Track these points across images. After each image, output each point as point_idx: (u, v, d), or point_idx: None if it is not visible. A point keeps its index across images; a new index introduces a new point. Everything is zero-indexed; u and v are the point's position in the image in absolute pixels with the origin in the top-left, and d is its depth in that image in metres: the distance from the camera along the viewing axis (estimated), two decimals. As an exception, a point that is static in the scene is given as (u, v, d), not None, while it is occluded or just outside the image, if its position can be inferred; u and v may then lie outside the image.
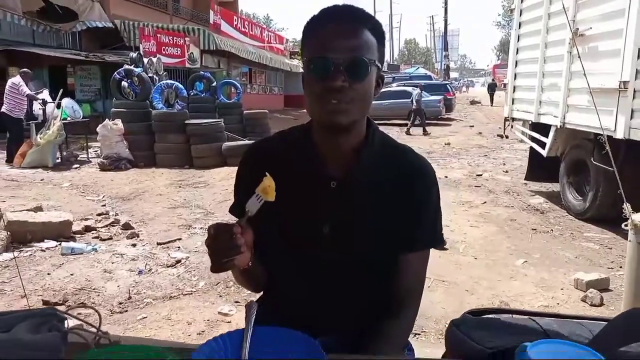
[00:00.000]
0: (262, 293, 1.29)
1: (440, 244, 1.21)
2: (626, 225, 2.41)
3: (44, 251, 4.58)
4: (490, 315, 1.49)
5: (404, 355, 1.20)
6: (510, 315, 1.48)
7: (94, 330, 0.91)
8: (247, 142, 9.80)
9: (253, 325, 0.91)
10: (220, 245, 0.93)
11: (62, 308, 2.71)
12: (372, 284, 1.17)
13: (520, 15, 7.07)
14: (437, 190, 1.19)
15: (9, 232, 4.56)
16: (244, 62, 22.49)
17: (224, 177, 8.13)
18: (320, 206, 1.12)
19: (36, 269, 4.15)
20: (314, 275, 1.14)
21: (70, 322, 0.94)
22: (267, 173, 0.97)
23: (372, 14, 1.11)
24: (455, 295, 3.75)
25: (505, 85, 9.93)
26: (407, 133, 15.97)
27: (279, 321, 0.94)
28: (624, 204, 2.50)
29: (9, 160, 9.29)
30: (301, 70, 1.14)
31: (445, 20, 50.26)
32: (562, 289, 3.90)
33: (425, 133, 15.87)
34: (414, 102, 16.55)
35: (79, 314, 0.94)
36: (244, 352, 0.84)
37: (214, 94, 12.36)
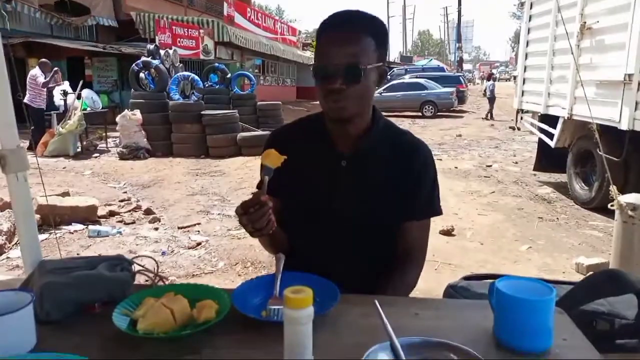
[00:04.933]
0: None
1: (436, 214, 1.40)
2: (612, 206, 2.59)
3: (72, 233, 4.87)
4: (482, 280, 1.71)
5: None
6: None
7: (152, 274, 1.14)
8: (261, 132, 10.01)
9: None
10: (255, 215, 1.10)
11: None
12: (376, 247, 1.36)
13: (531, 8, 7.17)
14: (433, 167, 1.38)
15: (39, 215, 4.84)
16: (257, 54, 22.68)
17: (239, 167, 8.37)
18: (333, 182, 1.33)
19: (66, 249, 4.42)
20: (327, 239, 1.35)
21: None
22: (269, 149, 1.15)
23: (373, 16, 1.26)
24: (460, 277, 3.94)
25: (515, 77, 10.04)
26: (486, 118, 17.85)
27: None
28: (611, 186, 2.67)
29: (31, 148, 9.61)
30: (313, 62, 1.33)
31: (459, 12, 49.85)
32: (563, 272, 4.07)
33: (490, 118, 17.84)
34: (489, 91, 18.41)
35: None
36: (276, 289, 1.06)
37: (228, 85, 12.58)
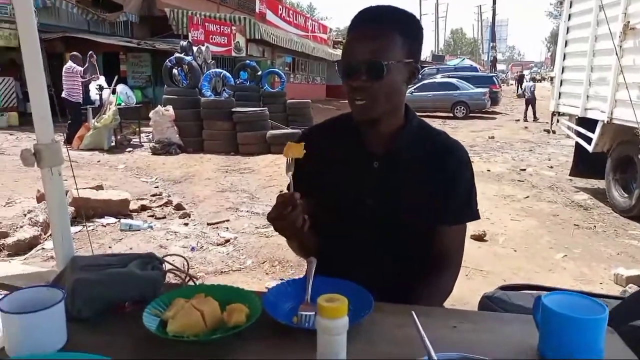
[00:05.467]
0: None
1: (473, 218, 1.34)
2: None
3: (105, 227, 4.96)
4: (519, 291, 1.64)
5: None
6: (538, 290, 1.62)
7: (183, 273, 1.13)
8: (290, 130, 10.03)
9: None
10: (289, 218, 1.08)
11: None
12: (409, 250, 1.32)
13: (570, 7, 6.95)
14: (469, 169, 1.32)
15: (73, 208, 4.95)
16: (287, 51, 22.76)
17: (268, 164, 8.40)
18: (364, 182, 1.29)
19: (99, 242, 4.51)
20: (358, 241, 1.31)
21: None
22: (288, 143, 1.13)
23: (403, 11, 1.22)
24: (492, 284, 3.82)
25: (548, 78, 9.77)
26: (534, 119, 17.58)
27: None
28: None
29: (69, 142, 9.88)
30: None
31: (494, 10, 48.85)
32: (601, 283, 3.92)
33: (532, 119, 17.63)
34: (529, 92, 18.10)
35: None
36: (308, 293, 1.03)
37: (259, 82, 12.65)
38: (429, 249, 1.32)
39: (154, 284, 1.03)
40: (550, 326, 0.85)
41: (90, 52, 10.55)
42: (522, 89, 33.38)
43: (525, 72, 46.98)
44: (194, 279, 1.13)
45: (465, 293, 3.42)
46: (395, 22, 1.19)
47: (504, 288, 1.68)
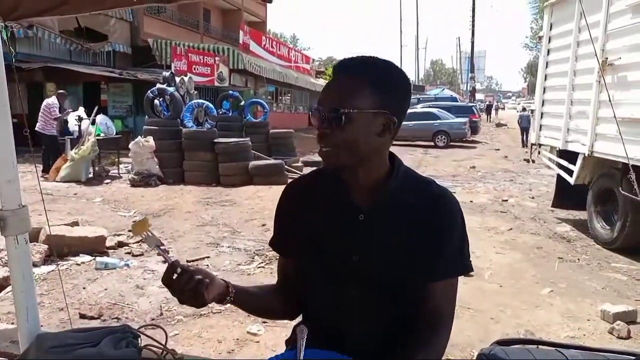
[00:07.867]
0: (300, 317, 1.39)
1: (466, 271, 1.27)
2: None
3: (79, 265, 4.76)
4: (517, 346, 1.56)
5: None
6: (537, 346, 1.55)
7: (160, 349, 1.03)
8: (273, 161, 9.97)
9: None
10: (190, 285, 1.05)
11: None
12: (399, 309, 1.24)
13: (549, 42, 7.12)
14: (461, 220, 1.25)
15: (47, 245, 4.76)
16: (270, 81, 22.91)
17: (250, 196, 8.28)
18: (350, 237, 1.21)
19: (72, 282, 4.32)
20: (344, 299, 1.23)
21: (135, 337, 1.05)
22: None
23: (375, 61, 1.19)
24: (480, 323, 3.76)
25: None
26: (524, 146, 17.54)
27: (310, 342, 1.03)
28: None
29: (45, 171, 9.64)
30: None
31: (472, 42, 50.07)
32: (588, 320, 3.87)
33: (524, 145, 17.62)
34: (526, 121, 18.01)
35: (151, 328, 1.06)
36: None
37: (241, 112, 12.62)
38: (421, 304, 1.25)
39: (127, 365, 0.93)
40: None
41: (70, 110, 10.43)
42: (491, 117, 34.81)
43: (495, 103, 51.40)
44: (173, 354, 1.02)
45: (454, 334, 3.32)
46: (364, 71, 1.16)
47: (500, 343, 1.59)
